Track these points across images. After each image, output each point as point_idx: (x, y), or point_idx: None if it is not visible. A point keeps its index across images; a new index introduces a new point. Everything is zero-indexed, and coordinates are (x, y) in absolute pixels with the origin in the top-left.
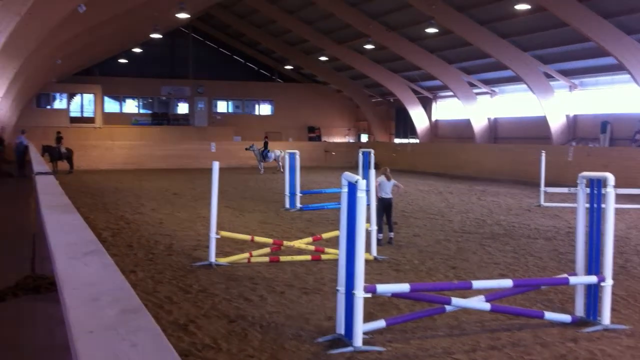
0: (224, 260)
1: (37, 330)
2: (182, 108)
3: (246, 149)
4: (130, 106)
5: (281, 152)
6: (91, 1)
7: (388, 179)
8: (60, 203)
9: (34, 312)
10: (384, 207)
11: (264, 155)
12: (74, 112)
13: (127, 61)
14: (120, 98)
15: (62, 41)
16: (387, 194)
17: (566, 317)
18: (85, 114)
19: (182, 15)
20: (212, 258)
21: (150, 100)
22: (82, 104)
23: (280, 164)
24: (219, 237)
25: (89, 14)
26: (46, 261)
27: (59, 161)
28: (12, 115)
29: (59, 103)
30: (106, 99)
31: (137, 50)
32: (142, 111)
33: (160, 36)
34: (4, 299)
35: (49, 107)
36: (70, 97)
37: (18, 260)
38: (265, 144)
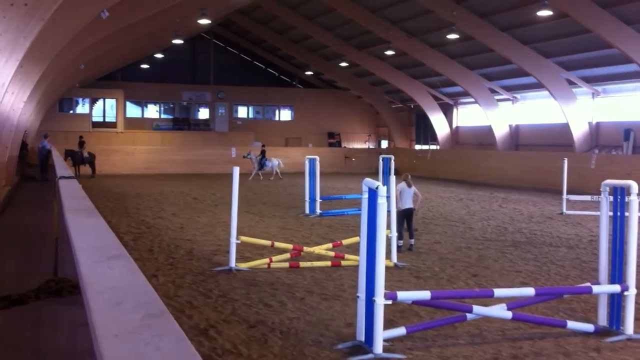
0: (244, 266)
1: (59, 333)
2: (203, 113)
3: (244, 157)
4: (152, 111)
5: (279, 162)
6: (114, 7)
7: (409, 185)
8: (84, 207)
9: (56, 315)
10: (405, 214)
11: (261, 163)
12: (96, 116)
13: (149, 66)
14: (142, 103)
15: (85, 46)
16: (408, 204)
17: (589, 327)
18: (107, 119)
19: (204, 21)
20: (232, 263)
21: (172, 106)
22: (104, 108)
23: (278, 170)
24: (239, 242)
25: (111, 20)
26: (68, 264)
27: (82, 165)
28: (35, 120)
29: (82, 108)
30: (128, 104)
31: (159, 55)
32: (163, 116)
33: (182, 42)
34: (26, 302)
35: (71, 111)
36: (93, 102)
37: (40, 263)
38: (263, 153)
